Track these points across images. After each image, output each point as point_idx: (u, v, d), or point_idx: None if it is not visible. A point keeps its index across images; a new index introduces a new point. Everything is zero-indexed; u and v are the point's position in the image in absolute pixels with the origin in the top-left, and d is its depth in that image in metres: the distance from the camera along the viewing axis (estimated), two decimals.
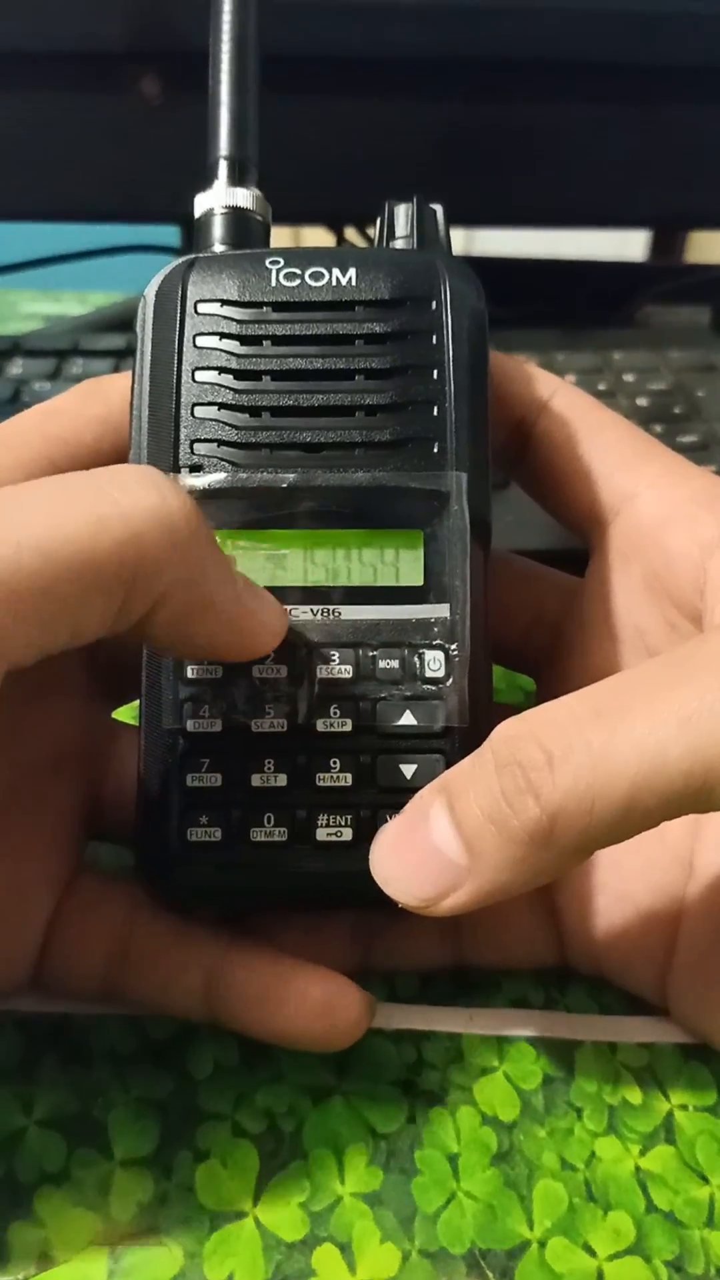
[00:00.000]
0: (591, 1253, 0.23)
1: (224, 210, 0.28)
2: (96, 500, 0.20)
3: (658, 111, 0.53)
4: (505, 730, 0.21)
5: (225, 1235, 0.23)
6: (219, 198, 0.28)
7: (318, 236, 0.67)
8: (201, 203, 0.28)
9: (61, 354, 0.49)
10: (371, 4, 0.49)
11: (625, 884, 0.27)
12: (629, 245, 0.77)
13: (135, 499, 0.20)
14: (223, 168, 0.28)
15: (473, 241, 1.14)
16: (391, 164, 0.53)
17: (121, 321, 0.58)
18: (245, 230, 0.28)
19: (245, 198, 0.28)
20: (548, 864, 0.21)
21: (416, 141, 0.53)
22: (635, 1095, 0.26)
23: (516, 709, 0.31)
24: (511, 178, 0.55)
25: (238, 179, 0.28)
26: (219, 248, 0.28)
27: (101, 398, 0.27)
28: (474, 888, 0.21)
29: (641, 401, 0.46)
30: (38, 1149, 0.24)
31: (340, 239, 0.62)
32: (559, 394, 0.28)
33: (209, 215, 0.28)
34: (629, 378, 0.48)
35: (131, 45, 0.49)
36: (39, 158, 0.53)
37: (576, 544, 0.29)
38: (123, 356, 0.49)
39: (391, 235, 0.28)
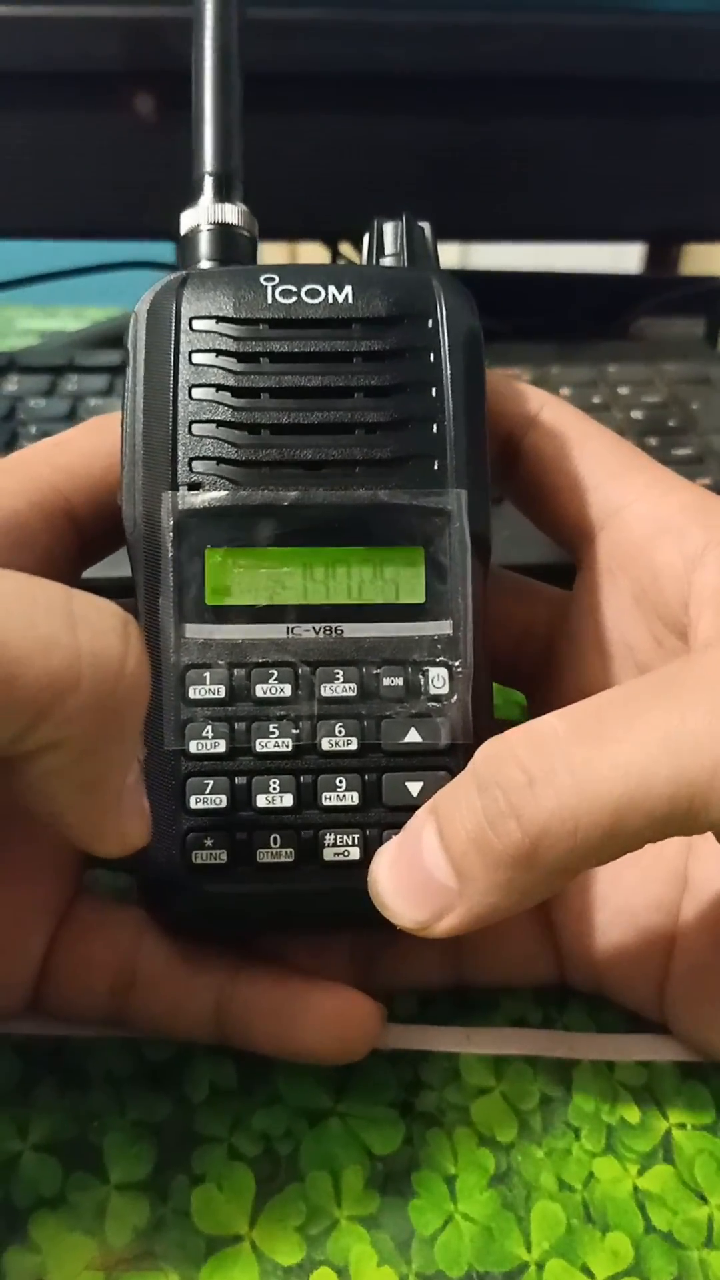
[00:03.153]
0: (590, 1275, 0.23)
1: (210, 226, 0.28)
2: (59, 622, 0.18)
3: (651, 126, 0.53)
4: (487, 750, 0.21)
5: (221, 1260, 0.23)
6: (205, 213, 0.28)
7: (314, 253, 0.67)
8: (188, 219, 0.28)
9: (57, 370, 0.49)
10: (368, 22, 0.49)
11: (623, 898, 0.27)
12: (624, 258, 0.78)
13: (97, 641, 0.18)
14: (208, 183, 0.28)
15: (468, 255, 1.14)
16: (387, 180, 0.53)
17: (117, 337, 0.58)
18: (232, 246, 0.28)
19: (232, 213, 0.28)
20: (534, 885, 0.21)
21: (412, 157, 0.53)
22: (633, 1114, 0.26)
23: (514, 724, 0.31)
24: (507, 192, 0.55)
25: (224, 194, 0.28)
26: (206, 264, 0.28)
27: (110, 432, 0.27)
28: (465, 910, 0.21)
29: (636, 414, 0.46)
30: (33, 1173, 0.24)
31: (335, 255, 0.62)
32: (547, 408, 0.28)
33: (195, 231, 0.28)
34: (624, 390, 0.48)
35: (126, 64, 0.49)
36: (34, 175, 0.53)
37: (568, 558, 0.30)
38: (118, 372, 0.49)
39: (380, 253, 0.28)
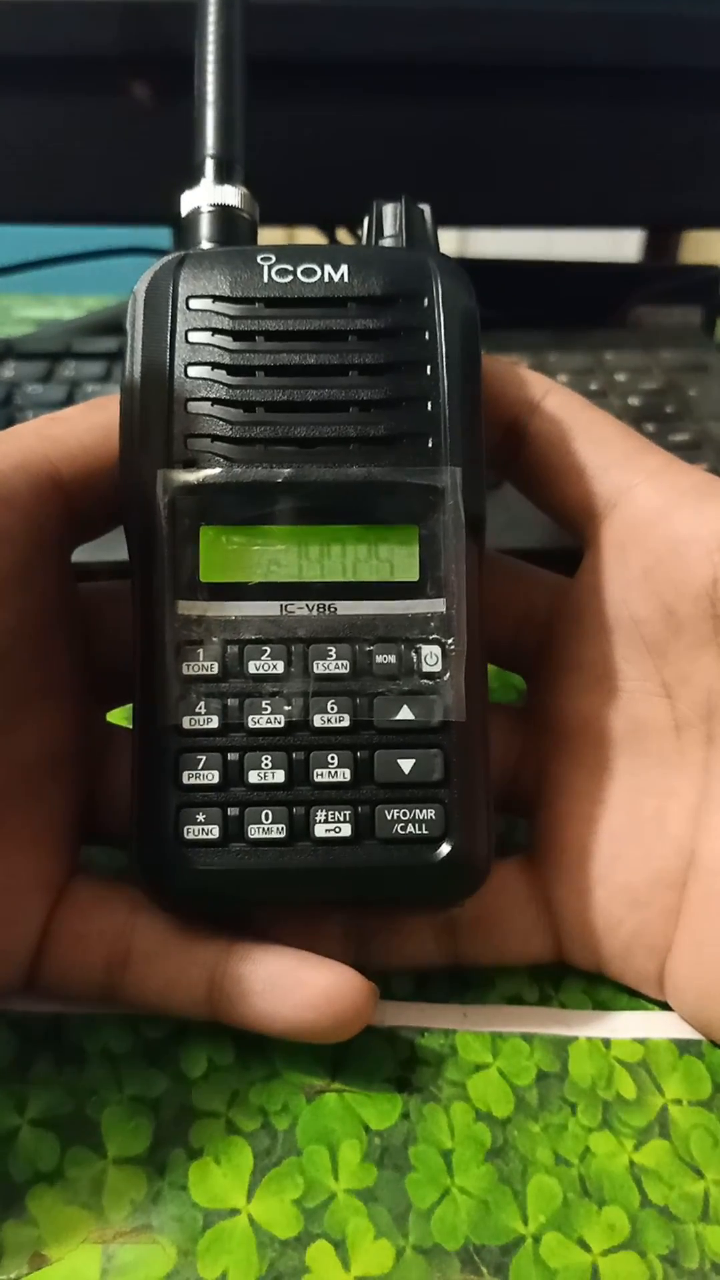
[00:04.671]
0: (586, 1248, 0.23)
1: (211, 208, 0.28)
2: None
3: (651, 112, 0.53)
4: None
5: (219, 1232, 0.23)
6: (206, 195, 0.28)
7: (311, 239, 0.67)
8: (188, 200, 0.28)
9: (54, 357, 0.49)
10: (367, 7, 0.49)
11: (624, 875, 0.27)
12: (624, 245, 0.78)
13: None
14: (209, 166, 0.28)
15: (467, 242, 1.14)
16: (385, 165, 0.53)
17: (114, 324, 0.58)
18: (232, 228, 0.28)
19: (233, 195, 0.28)
20: None
21: (409, 143, 0.53)
22: (629, 1090, 0.26)
23: (511, 707, 0.31)
24: (505, 179, 0.55)
25: (225, 177, 0.28)
26: (206, 245, 0.28)
27: (108, 410, 0.27)
28: None
29: (634, 401, 0.46)
30: (31, 1148, 0.24)
31: (332, 240, 0.62)
32: (551, 395, 0.28)
33: (196, 213, 0.28)
34: (621, 378, 0.48)
35: (124, 49, 0.49)
36: (32, 161, 0.53)
37: (569, 543, 0.30)
38: (115, 360, 0.49)
39: (380, 235, 0.28)
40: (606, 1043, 0.27)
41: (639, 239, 0.73)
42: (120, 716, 0.30)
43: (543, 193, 0.55)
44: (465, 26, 0.50)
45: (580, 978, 0.28)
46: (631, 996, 0.27)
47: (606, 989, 0.28)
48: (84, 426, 0.27)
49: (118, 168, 0.53)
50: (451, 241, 1.14)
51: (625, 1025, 0.27)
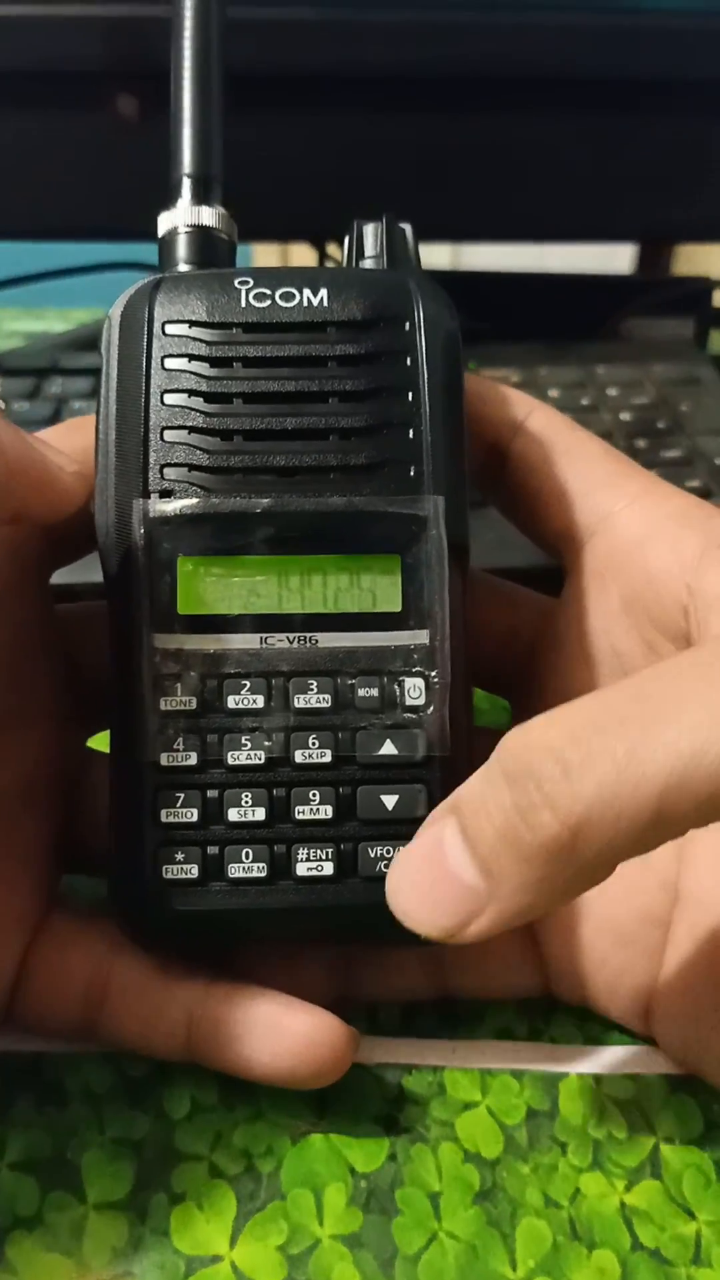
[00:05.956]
0: None
1: (188, 229, 0.27)
2: None
3: (641, 125, 0.52)
4: (515, 739, 0.20)
5: None
6: (183, 216, 0.27)
7: (305, 255, 0.66)
8: (165, 221, 0.28)
9: (41, 373, 0.49)
10: (359, 21, 0.48)
11: (609, 910, 0.26)
12: (616, 258, 0.77)
13: None
14: (186, 185, 0.28)
15: (460, 256, 1.14)
16: (377, 181, 0.53)
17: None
18: (210, 249, 0.27)
19: (210, 216, 0.28)
20: (571, 880, 0.20)
21: (401, 158, 0.53)
22: (621, 1129, 0.25)
23: (499, 731, 0.31)
24: (497, 193, 0.54)
25: (202, 197, 0.28)
26: (184, 267, 0.27)
27: (84, 429, 0.26)
28: (496, 912, 0.20)
29: (625, 416, 0.46)
30: (10, 1192, 0.23)
31: (323, 257, 0.62)
32: (535, 414, 0.28)
33: (173, 234, 0.27)
34: (612, 392, 0.47)
35: (111, 64, 0.49)
36: (19, 176, 0.53)
37: (556, 563, 0.29)
38: None
39: (360, 255, 0.27)
40: (598, 1079, 0.26)
41: (632, 252, 0.73)
42: (102, 742, 0.29)
43: (535, 207, 0.55)
44: (458, 41, 0.49)
45: (571, 1011, 0.27)
46: (622, 1031, 0.27)
47: (597, 1022, 0.27)
48: (65, 450, 0.27)
49: (106, 182, 0.53)
50: (444, 255, 1.14)
51: (616, 1060, 0.26)
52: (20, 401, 0.46)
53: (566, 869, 0.19)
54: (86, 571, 0.27)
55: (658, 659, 0.26)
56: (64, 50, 0.49)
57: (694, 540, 0.25)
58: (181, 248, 0.27)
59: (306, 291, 0.25)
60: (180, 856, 0.23)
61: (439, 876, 0.20)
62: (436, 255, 1.11)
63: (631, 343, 0.55)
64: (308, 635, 0.24)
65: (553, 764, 0.19)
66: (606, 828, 0.19)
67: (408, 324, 0.25)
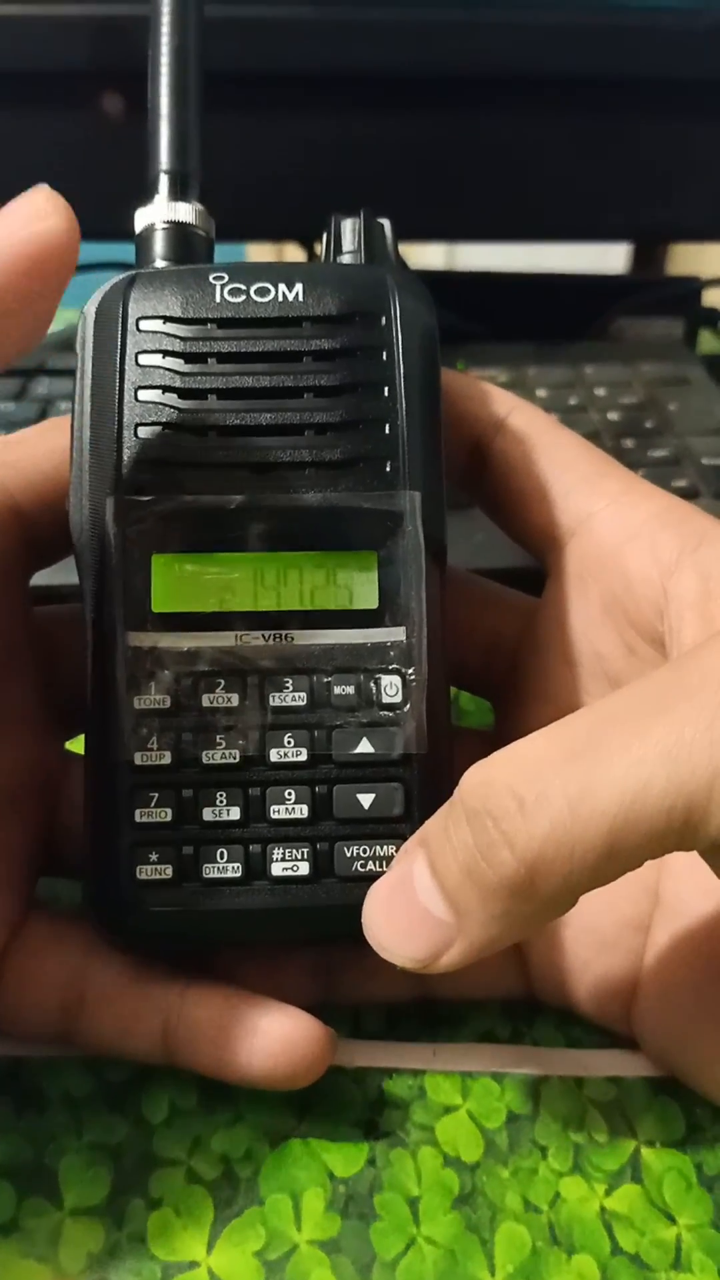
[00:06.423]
0: None
1: (165, 225, 0.27)
2: None
3: (634, 124, 0.52)
4: (473, 777, 0.20)
5: None
6: (160, 212, 0.27)
7: (297, 255, 0.66)
8: (142, 218, 0.27)
9: (27, 374, 0.48)
10: (349, 20, 0.48)
11: (591, 916, 0.26)
12: (610, 258, 0.77)
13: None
14: (163, 182, 0.28)
15: (454, 256, 1.13)
16: (367, 181, 0.53)
17: None
18: (188, 246, 0.27)
19: (187, 212, 0.27)
20: (534, 913, 0.20)
21: (393, 158, 0.53)
22: (602, 1132, 0.25)
23: (484, 733, 0.30)
24: (492, 193, 0.54)
25: (179, 193, 0.28)
26: (161, 263, 0.27)
27: (62, 431, 0.26)
28: (466, 944, 0.20)
29: (613, 416, 0.45)
30: None
31: (312, 256, 0.62)
32: (515, 412, 0.27)
33: (150, 230, 0.27)
34: (601, 392, 0.47)
35: (94, 63, 0.48)
36: (4, 175, 0.53)
37: (539, 564, 0.29)
38: None
39: (338, 251, 0.27)
40: (579, 1082, 0.26)
41: (626, 251, 0.73)
42: (81, 744, 0.29)
43: (527, 207, 0.54)
44: (451, 41, 0.49)
45: (553, 1014, 0.27)
46: (605, 1033, 0.27)
47: (579, 1025, 0.27)
48: (42, 450, 0.26)
49: (91, 182, 0.53)
50: (439, 255, 1.14)
51: (598, 1063, 0.26)
52: (6, 402, 0.46)
53: (528, 904, 0.19)
54: (67, 574, 0.27)
55: (638, 661, 0.25)
56: (46, 50, 0.48)
57: (671, 543, 0.25)
58: (158, 244, 0.27)
59: (282, 286, 0.25)
60: (154, 857, 0.23)
61: (411, 910, 0.21)
62: (432, 255, 1.11)
63: (620, 343, 0.55)
64: (283, 633, 0.24)
65: (509, 801, 0.19)
66: (562, 864, 0.19)
67: (384, 319, 0.25)
